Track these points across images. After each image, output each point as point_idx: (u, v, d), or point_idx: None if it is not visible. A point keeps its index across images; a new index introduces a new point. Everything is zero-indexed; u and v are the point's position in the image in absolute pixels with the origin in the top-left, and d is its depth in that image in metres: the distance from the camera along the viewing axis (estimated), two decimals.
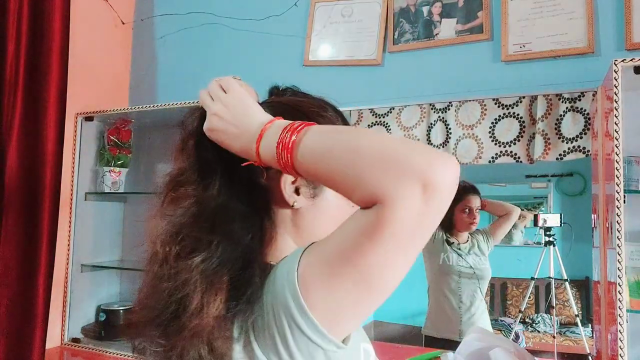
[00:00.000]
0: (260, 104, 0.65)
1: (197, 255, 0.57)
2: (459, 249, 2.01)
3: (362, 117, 1.95)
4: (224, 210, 0.60)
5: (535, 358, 1.36)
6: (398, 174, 0.47)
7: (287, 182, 0.62)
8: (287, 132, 0.55)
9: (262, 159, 0.57)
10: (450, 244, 2.01)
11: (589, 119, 1.61)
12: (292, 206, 0.63)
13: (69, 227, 2.12)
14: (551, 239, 1.90)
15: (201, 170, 0.63)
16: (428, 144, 1.86)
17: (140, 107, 2.12)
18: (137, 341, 0.61)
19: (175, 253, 0.58)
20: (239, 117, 0.59)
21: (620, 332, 1.24)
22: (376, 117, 1.93)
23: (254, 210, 0.62)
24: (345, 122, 0.71)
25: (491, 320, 2.11)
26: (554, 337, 1.94)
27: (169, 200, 0.63)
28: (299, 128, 0.55)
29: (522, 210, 2.08)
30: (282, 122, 0.57)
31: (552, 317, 1.99)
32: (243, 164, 0.60)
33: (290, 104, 0.67)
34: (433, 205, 0.48)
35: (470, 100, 1.79)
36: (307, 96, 0.70)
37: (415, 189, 0.47)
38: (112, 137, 2.23)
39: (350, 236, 0.51)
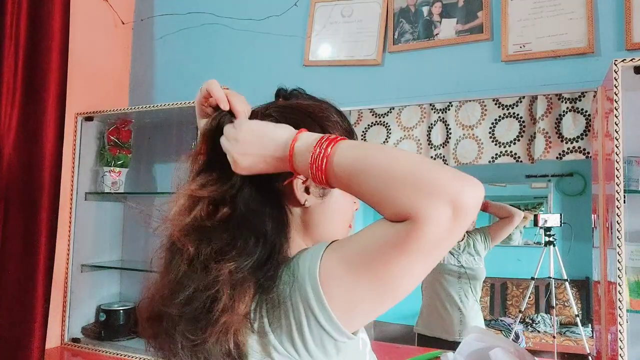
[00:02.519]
0: (269, 106, 0.70)
1: (230, 254, 0.59)
2: (452, 247, 2.00)
3: (362, 117, 1.95)
4: (256, 213, 0.63)
5: (535, 358, 1.36)
6: (432, 196, 0.51)
7: (298, 183, 0.66)
8: (318, 150, 0.57)
9: (298, 173, 0.61)
10: None
11: (590, 119, 1.61)
12: (304, 204, 0.67)
13: (69, 227, 2.12)
14: (551, 239, 1.90)
15: (228, 175, 0.65)
16: (428, 144, 1.86)
17: (140, 107, 2.12)
18: (160, 337, 0.63)
19: (207, 253, 0.60)
20: (258, 147, 0.61)
21: (620, 332, 1.24)
22: (376, 117, 1.93)
23: (278, 212, 0.66)
24: (347, 123, 0.74)
25: (491, 320, 2.11)
26: (554, 337, 1.94)
27: (194, 200, 0.64)
28: (330, 146, 0.57)
29: (523, 210, 2.07)
30: (308, 139, 0.59)
31: (552, 317, 1.99)
32: (284, 183, 0.64)
33: (301, 110, 0.69)
34: (460, 225, 0.52)
35: (470, 101, 1.79)
36: (313, 99, 0.73)
37: (446, 210, 0.50)
38: (112, 137, 2.23)
39: (377, 244, 0.54)
